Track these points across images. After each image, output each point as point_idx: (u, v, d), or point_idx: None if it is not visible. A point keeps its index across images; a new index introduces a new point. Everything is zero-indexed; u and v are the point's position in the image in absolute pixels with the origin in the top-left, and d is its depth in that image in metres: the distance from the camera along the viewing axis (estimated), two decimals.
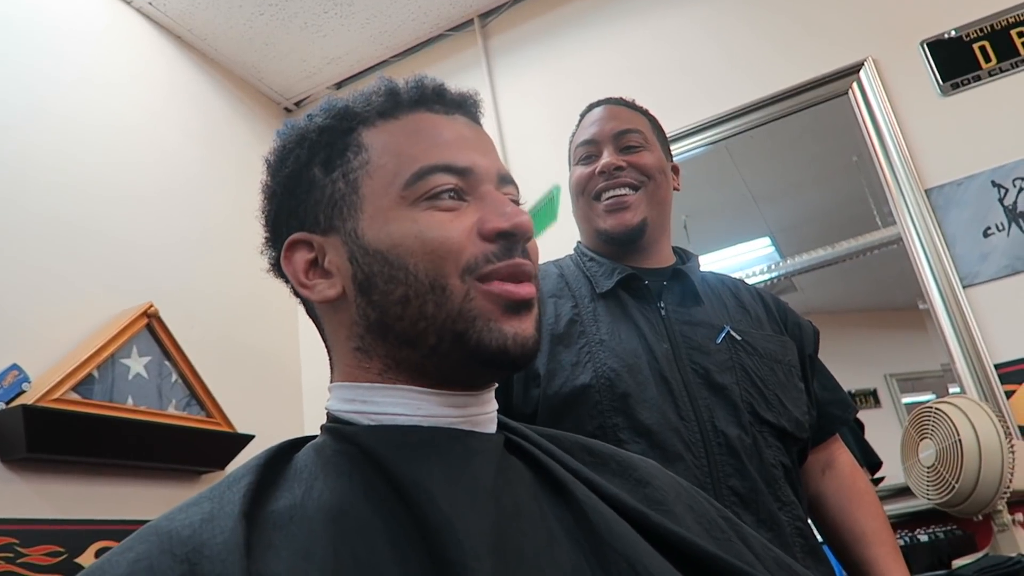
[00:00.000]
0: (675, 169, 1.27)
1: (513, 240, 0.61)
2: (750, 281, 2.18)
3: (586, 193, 1.19)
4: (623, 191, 1.15)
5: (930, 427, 1.57)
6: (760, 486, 0.97)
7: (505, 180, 0.65)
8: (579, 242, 1.26)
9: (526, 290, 0.61)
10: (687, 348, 1.06)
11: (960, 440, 1.49)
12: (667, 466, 0.71)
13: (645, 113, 1.28)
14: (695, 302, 1.13)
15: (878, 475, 1.87)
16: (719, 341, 1.08)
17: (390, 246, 0.60)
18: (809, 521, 1.08)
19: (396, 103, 0.66)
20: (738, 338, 1.09)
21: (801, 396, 1.11)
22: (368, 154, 0.64)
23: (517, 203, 0.66)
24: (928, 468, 1.56)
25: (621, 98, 1.28)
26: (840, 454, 1.21)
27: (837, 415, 1.22)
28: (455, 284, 0.59)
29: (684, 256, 1.24)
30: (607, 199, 1.16)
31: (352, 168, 0.64)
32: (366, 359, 0.62)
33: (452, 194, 0.61)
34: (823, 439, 1.19)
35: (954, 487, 1.49)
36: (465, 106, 0.69)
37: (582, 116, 1.28)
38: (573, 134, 1.28)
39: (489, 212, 0.61)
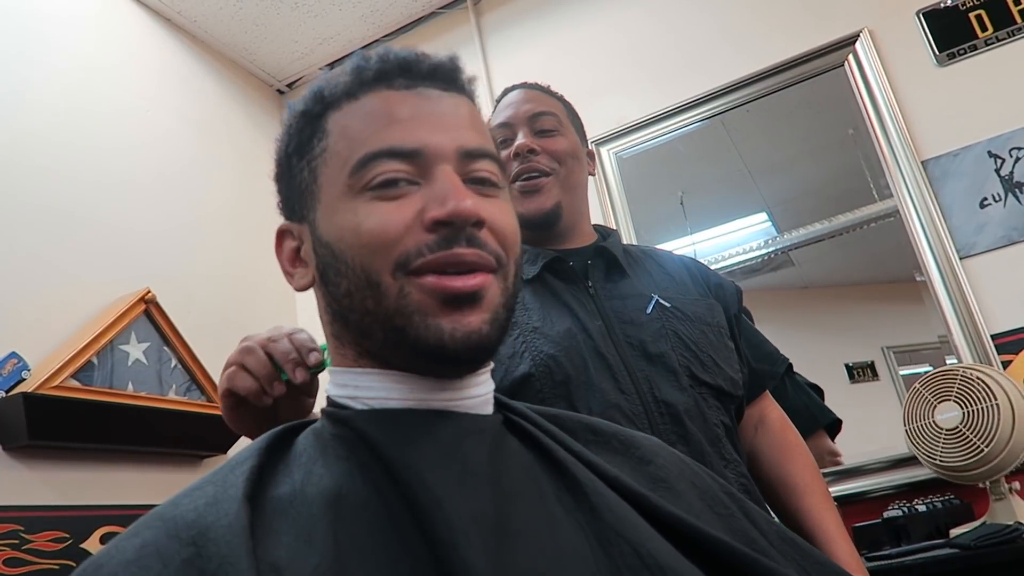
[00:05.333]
0: (590, 154, 1.28)
1: (453, 229, 0.57)
2: (748, 256, 2.20)
3: None
4: (535, 175, 1.16)
5: (956, 390, 1.58)
6: (705, 447, 0.99)
7: (472, 155, 0.61)
8: None
9: (464, 281, 0.57)
10: (619, 323, 1.07)
11: (997, 404, 1.51)
12: None
13: (560, 98, 1.28)
14: (621, 276, 1.14)
15: (839, 460, 1.91)
16: (650, 311, 1.09)
17: (336, 239, 0.59)
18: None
19: (360, 81, 0.63)
20: (667, 305, 1.10)
21: (732, 355, 1.13)
22: (328, 140, 0.62)
23: (489, 180, 0.62)
24: (948, 431, 1.56)
25: (536, 83, 1.28)
26: (771, 410, 1.23)
27: (766, 370, 1.24)
28: (387, 281, 0.57)
29: (604, 232, 1.25)
30: (520, 182, 1.16)
31: (314, 156, 0.63)
32: (341, 346, 0.63)
33: (394, 181, 0.58)
34: (754, 396, 1.21)
35: (982, 451, 1.50)
36: (436, 75, 0.64)
37: (497, 100, 1.28)
38: (490, 118, 1.28)
39: (431, 199, 0.58)
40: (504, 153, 1.17)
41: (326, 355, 0.73)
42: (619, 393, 1.00)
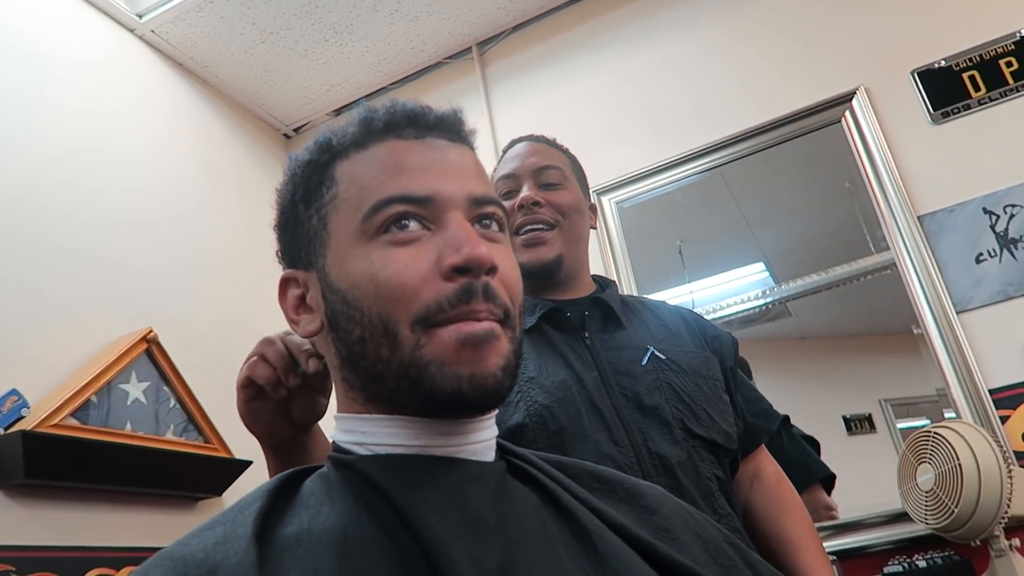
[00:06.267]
0: (592, 208, 1.31)
1: (471, 277, 0.58)
2: (745, 306, 2.21)
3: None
4: (539, 227, 1.18)
5: (928, 451, 1.57)
6: (698, 501, 1.00)
7: (481, 201, 0.63)
8: None
9: (480, 325, 0.58)
10: (615, 374, 1.08)
11: (960, 464, 1.50)
12: None
13: (566, 152, 1.30)
14: (618, 327, 1.16)
15: (835, 514, 1.89)
16: (645, 363, 1.10)
17: (349, 286, 0.60)
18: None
19: (368, 131, 0.65)
20: (663, 357, 1.11)
21: (727, 408, 1.14)
22: (337, 188, 0.64)
23: (495, 216, 0.64)
24: (926, 492, 1.56)
25: (542, 135, 1.31)
26: (766, 464, 1.23)
27: (760, 426, 1.25)
28: (405, 333, 0.57)
29: (603, 284, 1.27)
30: (524, 234, 1.19)
31: (324, 203, 0.64)
32: (351, 390, 0.63)
33: (409, 221, 0.60)
34: (749, 450, 1.22)
35: (953, 511, 1.49)
36: (442, 126, 0.67)
37: (503, 151, 1.31)
38: (495, 169, 1.30)
39: (446, 246, 0.59)
40: (508, 204, 1.20)
41: None
42: (612, 444, 1.01)
